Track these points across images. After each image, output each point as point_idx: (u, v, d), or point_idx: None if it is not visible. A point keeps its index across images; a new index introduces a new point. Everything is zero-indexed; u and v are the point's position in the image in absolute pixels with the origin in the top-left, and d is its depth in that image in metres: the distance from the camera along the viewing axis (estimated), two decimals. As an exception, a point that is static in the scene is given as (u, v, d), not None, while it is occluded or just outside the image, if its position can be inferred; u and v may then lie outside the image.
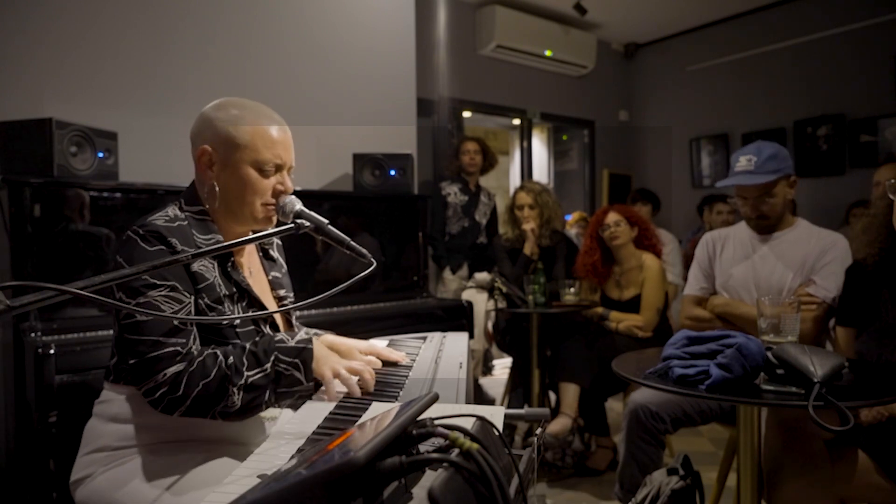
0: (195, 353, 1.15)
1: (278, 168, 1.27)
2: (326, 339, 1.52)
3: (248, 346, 1.19)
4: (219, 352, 1.16)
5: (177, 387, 1.10)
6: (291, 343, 1.20)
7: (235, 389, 1.13)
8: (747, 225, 2.14)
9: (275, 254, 1.48)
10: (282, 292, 1.43)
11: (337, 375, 1.21)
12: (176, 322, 1.13)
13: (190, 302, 1.17)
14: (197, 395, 1.11)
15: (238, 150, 1.23)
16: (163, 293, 1.14)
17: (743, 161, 2.02)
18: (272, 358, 1.17)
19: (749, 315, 1.96)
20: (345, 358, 1.46)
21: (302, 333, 1.24)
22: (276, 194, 1.27)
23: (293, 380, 1.18)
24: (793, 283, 2.02)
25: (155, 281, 1.13)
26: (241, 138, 1.23)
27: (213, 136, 1.24)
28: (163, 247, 1.16)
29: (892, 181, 1.54)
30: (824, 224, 2.16)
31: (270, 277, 1.43)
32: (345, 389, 1.22)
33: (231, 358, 1.15)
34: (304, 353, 1.19)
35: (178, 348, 1.12)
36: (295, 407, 1.15)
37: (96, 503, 1.18)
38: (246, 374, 1.14)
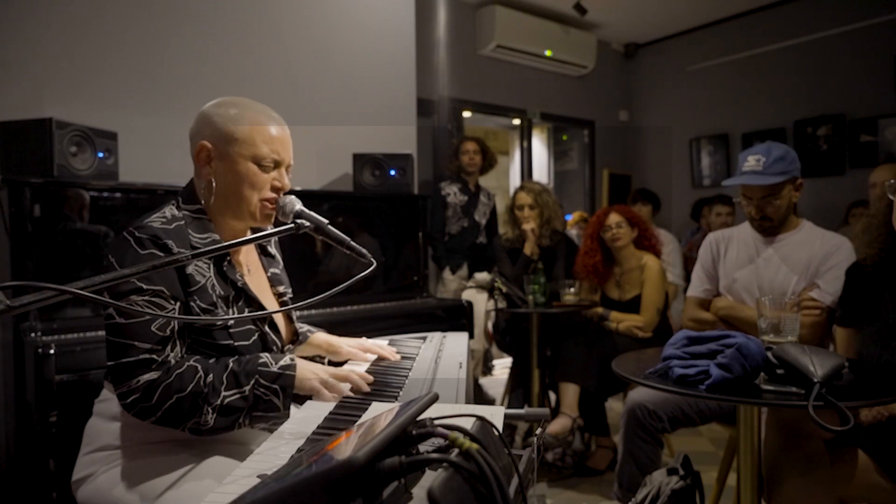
0: (172, 362, 1.13)
1: (276, 165, 1.27)
2: (318, 336, 1.54)
3: (230, 364, 1.17)
4: (199, 367, 1.14)
5: (149, 395, 1.09)
6: (274, 368, 1.18)
7: (210, 409, 1.11)
8: (751, 226, 2.13)
9: (272, 250, 1.48)
10: (281, 289, 1.43)
11: (325, 385, 1.20)
12: (154, 328, 1.12)
13: (174, 309, 1.15)
14: (169, 407, 1.10)
15: (236, 144, 1.23)
16: (145, 298, 1.12)
17: (751, 161, 1.99)
18: (252, 381, 1.15)
19: (753, 319, 1.95)
20: (331, 354, 1.50)
21: (286, 359, 1.21)
22: (274, 190, 1.27)
23: (271, 405, 1.16)
24: (797, 286, 2.01)
25: (141, 285, 1.11)
26: (239, 133, 1.23)
27: (211, 132, 1.24)
28: (155, 250, 1.15)
29: (892, 181, 1.54)
30: (824, 224, 2.15)
31: (269, 274, 1.43)
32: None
33: (210, 375, 1.13)
34: (284, 379, 1.17)
35: (154, 356, 1.11)
36: (271, 431, 1.12)
37: (98, 502, 1.17)
38: (223, 394, 1.13)
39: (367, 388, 1.24)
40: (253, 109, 1.27)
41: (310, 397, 1.22)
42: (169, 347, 1.14)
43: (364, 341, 1.55)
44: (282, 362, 1.20)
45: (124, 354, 1.10)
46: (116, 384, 1.11)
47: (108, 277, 0.87)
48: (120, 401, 1.11)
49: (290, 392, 1.18)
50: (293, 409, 1.26)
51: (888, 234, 1.65)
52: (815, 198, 4.88)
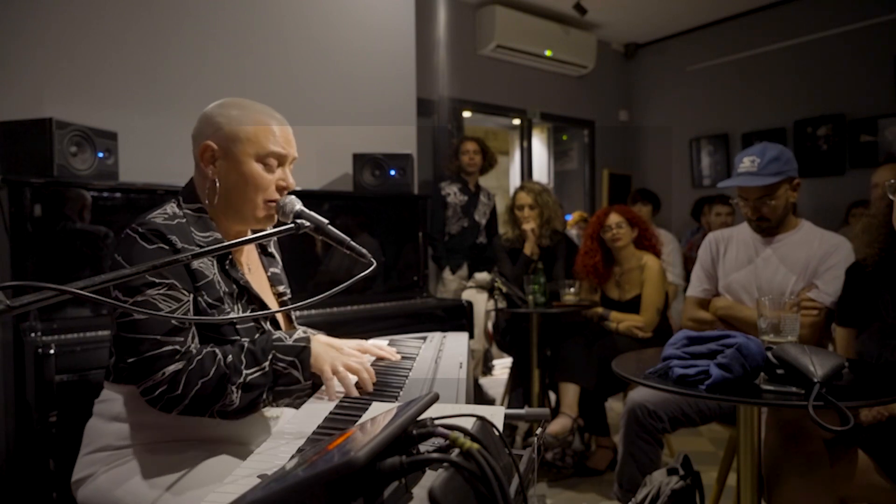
0: (194, 351, 1.15)
1: (281, 162, 1.28)
2: (318, 339, 1.55)
3: (246, 344, 1.19)
4: (217, 350, 1.16)
5: (175, 385, 1.10)
6: (289, 342, 1.21)
7: (234, 388, 1.13)
8: (749, 226, 2.14)
9: (272, 250, 1.49)
10: (281, 288, 1.44)
11: (335, 373, 1.22)
12: (174, 321, 1.13)
13: (188, 300, 1.17)
14: (196, 394, 1.11)
15: (241, 143, 1.24)
16: (161, 291, 1.13)
17: (746, 162, 2.00)
18: (270, 357, 1.17)
19: (752, 319, 1.95)
20: None
21: (300, 332, 1.25)
22: (279, 190, 1.27)
23: (291, 378, 1.18)
24: (795, 286, 2.01)
25: (153, 279, 1.13)
26: (244, 132, 1.24)
27: (215, 132, 1.25)
28: (162, 245, 1.16)
29: (892, 181, 1.54)
30: (824, 224, 2.15)
31: (269, 274, 1.44)
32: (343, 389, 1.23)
33: (230, 357, 1.15)
34: (302, 352, 1.20)
35: (177, 347, 1.12)
36: (296, 406, 1.15)
37: (98, 503, 1.18)
38: (244, 372, 1.15)
39: (370, 388, 1.25)
40: (255, 109, 1.28)
41: (309, 396, 1.23)
42: (189, 337, 1.16)
43: (363, 343, 1.56)
44: (296, 335, 1.22)
45: (146, 349, 1.11)
46: (140, 379, 1.11)
47: (108, 277, 0.87)
48: (144, 396, 1.12)
49: (308, 363, 1.20)
50: (290, 410, 1.26)
51: (888, 234, 1.65)
52: (815, 198, 4.88)
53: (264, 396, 1.17)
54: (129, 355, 1.12)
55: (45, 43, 2.46)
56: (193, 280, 1.20)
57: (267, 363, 1.17)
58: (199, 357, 1.13)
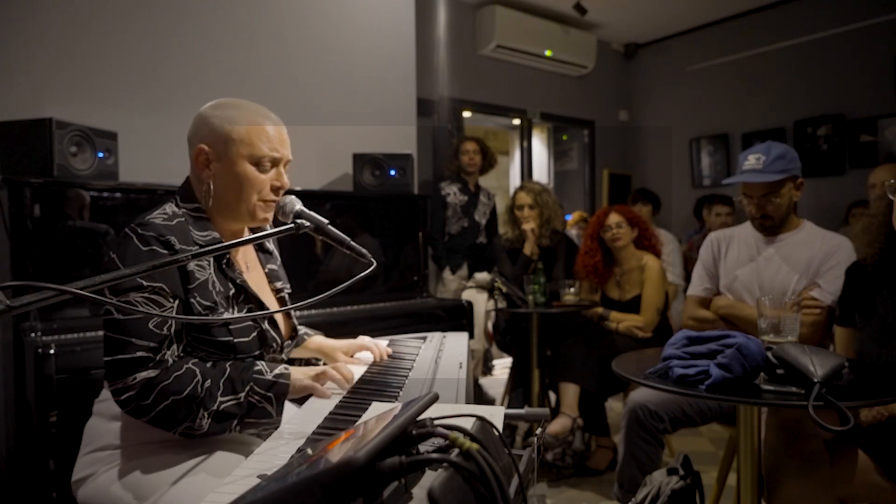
0: (170, 361, 1.14)
1: (275, 163, 1.27)
2: (315, 340, 1.56)
3: (228, 369, 1.18)
4: (197, 370, 1.15)
5: (145, 394, 1.10)
6: (269, 376, 1.20)
7: (206, 413, 1.12)
8: (752, 225, 2.14)
9: (270, 246, 1.49)
10: (279, 284, 1.44)
11: (323, 374, 1.26)
12: (153, 326, 1.12)
13: (171, 307, 1.16)
14: (163, 409, 1.10)
15: (234, 145, 1.23)
16: (144, 295, 1.13)
17: (752, 159, 2.00)
18: (247, 388, 1.17)
19: (753, 318, 1.95)
20: (328, 359, 1.53)
21: (281, 368, 1.24)
22: (274, 190, 1.27)
23: (264, 412, 1.18)
24: (797, 285, 2.02)
25: (142, 282, 1.12)
26: (237, 134, 1.23)
27: (209, 134, 1.24)
28: (157, 248, 1.16)
29: (892, 181, 1.54)
30: (824, 224, 2.15)
31: (267, 270, 1.44)
32: (335, 386, 1.28)
33: (208, 381, 1.14)
34: (278, 387, 1.19)
35: (150, 354, 1.11)
36: (264, 437, 1.14)
37: (99, 502, 1.18)
38: (219, 399, 1.14)
39: (345, 387, 1.28)
40: (250, 110, 1.27)
41: (309, 398, 1.23)
42: (166, 346, 1.14)
43: (354, 343, 1.57)
44: (276, 371, 1.22)
45: (121, 351, 1.11)
46: (112, 380, 1.11)
47: (107, 277, 0.87)
48: (114, 397, 1.12)
49: (283, 400, 1.20)
50: (294, 408, 1.27)
51: (888, 234, 1.65)
52: (815, 198, 4.88)
53: (233, 425, 1.16)
54: (107, 354, 1.12)
55: (45, 43, 2.46)
56: (187, 282, 1.19)
57: (243, 394, 1.16)
58: (178, 373, 1.12)
